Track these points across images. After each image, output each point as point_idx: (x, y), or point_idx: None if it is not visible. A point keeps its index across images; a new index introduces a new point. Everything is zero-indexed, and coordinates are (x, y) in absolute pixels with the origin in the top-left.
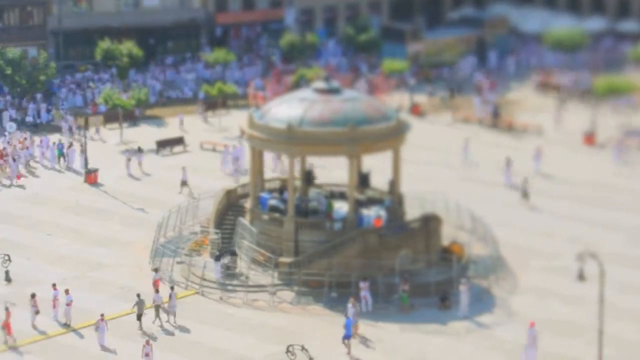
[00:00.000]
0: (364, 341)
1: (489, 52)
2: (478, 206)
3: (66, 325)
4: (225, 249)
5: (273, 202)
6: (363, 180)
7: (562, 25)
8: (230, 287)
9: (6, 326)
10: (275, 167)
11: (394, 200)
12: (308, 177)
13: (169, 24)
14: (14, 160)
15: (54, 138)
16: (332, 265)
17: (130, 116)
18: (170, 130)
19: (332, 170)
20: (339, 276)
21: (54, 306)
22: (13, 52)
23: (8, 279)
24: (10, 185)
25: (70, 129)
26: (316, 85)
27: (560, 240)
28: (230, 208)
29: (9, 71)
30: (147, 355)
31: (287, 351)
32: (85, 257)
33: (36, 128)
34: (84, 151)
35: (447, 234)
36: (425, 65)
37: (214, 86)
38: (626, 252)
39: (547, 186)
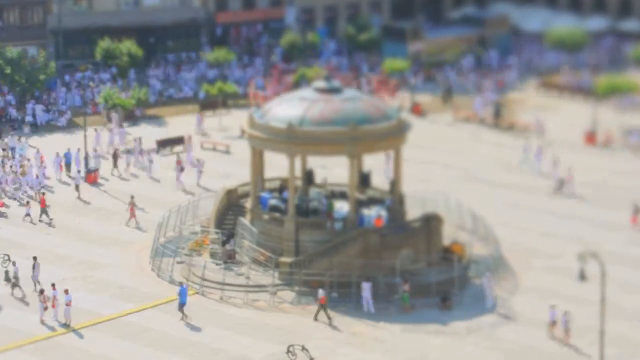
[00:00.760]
0: (365, 341)
1: (489, 51)
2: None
3: (66, 325)
4: (227, 233)
5: (273, 201)
6: (364, 180)
7: (563, 24)
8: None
9: None
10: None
11: (394, 199)
12: (309, 177)
13: (169, 23)
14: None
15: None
16: (332, 265)
17: (131, 116)
18: (171, 129)
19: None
20: (339, 276)
21: (54, 306)
22: (12, 51)
23: (7, 279)
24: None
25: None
26: (317, 85)
27: (562, 240)
28: (230, 208)
29: (8, 70)
30: None
31: (288, 351)
32: (85, 257)
33: (36, 128)
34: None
35: (448, 234)
36: (426, 64)
37: (214, 85)
38: (627, 252)
39: (548, 186)
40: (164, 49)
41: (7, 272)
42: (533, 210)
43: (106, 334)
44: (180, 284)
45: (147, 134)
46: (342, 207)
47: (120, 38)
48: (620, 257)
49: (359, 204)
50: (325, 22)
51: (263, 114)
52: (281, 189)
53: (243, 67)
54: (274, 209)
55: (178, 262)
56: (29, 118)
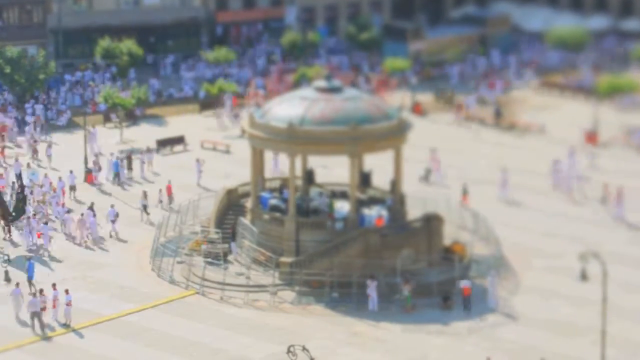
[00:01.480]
0: (366, 341)
1: (491, 50)
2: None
3: (66, 325)
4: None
5: (274, 201)
6: (364, 180)
7: (564, 23)
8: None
9: None
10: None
11: (395, 199)
12: (309, 177)
13: (169, 23)
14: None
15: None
16: (333, 265)
17: (130, 115)
18: (171, 129)
19: (333, 169)
20: (340, 276)
21: (54, 306)
22: (12, 50)
23: (7, 279)
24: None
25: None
26: (317, 84)
27: (563, 240)
28: (230, 207)
29: (8, 70)
30: None
31: (288, 351)
32: (85, 257)
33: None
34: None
35: (449, 234)
36: (427, 64)
37: (214, 85)
38: (629, 251)
39: (549, 186)
40: (164, 48)
41: (6, 272)
42: (534, 210)
43: (106, 334)
44: (29, 259)
45: (148, 133)
46: (342, 207)
47: (120, 37)
48: (622, 257)
49: (360, 204)
50: (326, 21)
51: (263, 114)
52: (281, 189)
53: (243, 66)
54: (275, 208)
55: (178, 262)
56: (28, 118)
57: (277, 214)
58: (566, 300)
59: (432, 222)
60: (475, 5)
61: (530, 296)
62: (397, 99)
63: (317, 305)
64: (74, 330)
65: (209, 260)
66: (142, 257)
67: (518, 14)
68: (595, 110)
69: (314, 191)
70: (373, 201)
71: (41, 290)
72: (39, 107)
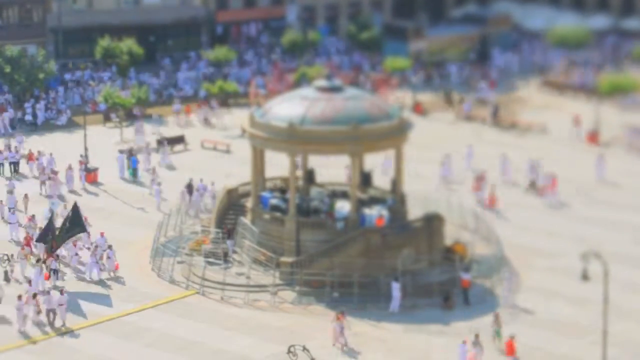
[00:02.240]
0: (367, 341)
1: (492, 49)
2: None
3: (62, 327)
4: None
5: (274, 201)
6: (365, 179)
7: (566, 22)
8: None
9: None
10: None
11: (396, 199)
12: (310, 176)
13: (169, 22)
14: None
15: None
16: (334, 265)
17: (130, 115)
18: (171, 128)
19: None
20: (340, 276)
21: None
22: (12, 49)
23: (7, 279)
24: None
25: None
26: (318, 84)
27: (564, 240)
28: (231, 207)
29: (8, 69)
30: None
31: (289, 351)
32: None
33: (35, 127)
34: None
35: (450, 234)
36: (428, 63)
37: (214, 84)
38: (630, 251)
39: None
40: (164, 47)
41: (6, 272)
42: (535, 209)
43: (106, 334)
44: None
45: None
46: (343, 207)
47: (120, 37)
48: (623, 257)
49: (361, 204)
50: (327, 20)
51: (264, 113)
52: (282, 189)
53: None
54: (275, 208)
55: (178, 262)
56: (28, 117)
57: (278, 214)
58: (567, 300)
59: (433, 222)
60: (476, 4)
61: (531, 296)
62: (396, 96)
63: (317, 305)
64: (73, 331)
65: (210, 260)
66: (142, 257)
67: (519, 13)
68: (596, 109)
69: (314, 191)
70: (374, 201)
71: (34, 295)
72: (38, 106)
